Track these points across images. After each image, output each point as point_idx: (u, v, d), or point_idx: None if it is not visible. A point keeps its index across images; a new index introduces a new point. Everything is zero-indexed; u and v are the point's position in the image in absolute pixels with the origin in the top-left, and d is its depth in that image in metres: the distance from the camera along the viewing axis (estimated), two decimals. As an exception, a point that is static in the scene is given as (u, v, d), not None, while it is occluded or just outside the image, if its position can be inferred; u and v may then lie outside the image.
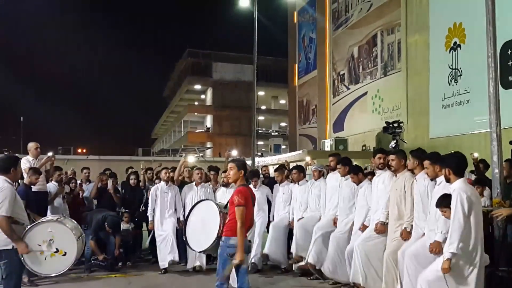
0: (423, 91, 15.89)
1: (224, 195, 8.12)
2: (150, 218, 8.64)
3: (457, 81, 14.34)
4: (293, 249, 7.88)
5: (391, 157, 6.22)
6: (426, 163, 5.45)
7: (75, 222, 6.06)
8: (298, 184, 8.26)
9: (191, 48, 44.95)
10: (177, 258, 8.39)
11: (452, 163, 4.79)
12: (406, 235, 5.78)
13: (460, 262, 4.51)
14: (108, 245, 8.74)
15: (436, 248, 4.85)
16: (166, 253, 8.30)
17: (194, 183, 8.72)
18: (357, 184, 6.99)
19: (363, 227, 6.64)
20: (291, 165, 9.91)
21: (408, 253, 5.36)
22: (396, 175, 6.19)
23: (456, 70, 14.37)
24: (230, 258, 4.98)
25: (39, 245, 5.19)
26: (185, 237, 5.70)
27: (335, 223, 7.30)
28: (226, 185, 8.44)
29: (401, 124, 12.93)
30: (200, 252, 5.65)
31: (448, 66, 14.63)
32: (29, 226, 5.21)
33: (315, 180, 8.02)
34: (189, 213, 5.88)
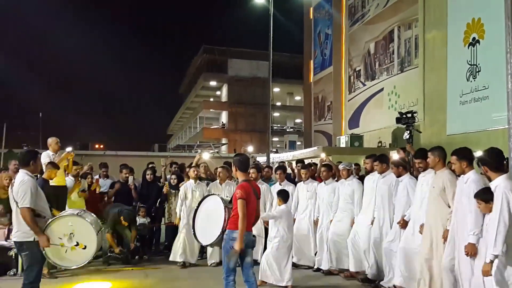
0: (440, 88, 15.73)
1: None
2: (178, 213, 8.72)
3: (476, 77, 14.17)
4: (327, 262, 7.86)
5: (429, 154, 5.95)
6: (453, 158, 5.24)
7: (94, 216, 6.17)
8: (325, 183, 8.18)
9: (206, 45, 45.10)
10: (193, 261, 8.57)
11: (492, 159, 4.59)
12: (447, 234, 5.42)
13: (504, 262, 4.36)
14: (124, 238, 8.87)
15: (472, 251, 4.64)
16: (181, 251, 8.48)
17: (218, 181, 8.84)
18: (397, 177, 6.80)
19: (403, 222, 6.43)
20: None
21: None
22: (435, 172, 5.90)
23: (475, 66, 14.21)
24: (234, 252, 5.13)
25: (60, 238, 5.30)
26: (194, 231, 5.85)
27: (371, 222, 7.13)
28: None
29: (414, 114, 12.75)
30: (206, 245, 5.81)
31: (467, 62, 14.47)
32: (50, 220, 5.32)
33: (345, 179, 7.88)
34: (197, 207, 6.00)
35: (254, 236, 5.35)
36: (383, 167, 7.13)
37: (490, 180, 4.60)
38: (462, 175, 5.11)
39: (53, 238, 5.25)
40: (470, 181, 4.91)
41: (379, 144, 18.49)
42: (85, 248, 5.44)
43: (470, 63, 14.38)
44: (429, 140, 15.39)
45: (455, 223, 5.17)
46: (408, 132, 11.92)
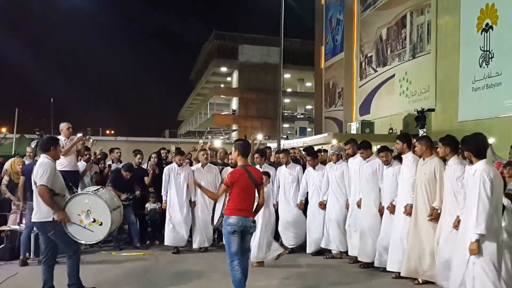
0: (452, 74, 15.58)
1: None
2: (164, 198, 8.79)
3: (488, 64, 14.02)
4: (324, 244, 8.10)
5: (416, 143, 6.36)
6: (440, 144, 5.81)
7: (112, 193, 6.40)
8: (314, 169, 8.32)
9: (217, 31, 44.91)
10: (182, 244, 8.67)
11: (473, 145, 4.81)
12: (436, 215, 5.88)
13: (486, 242, 4.50)
14: (130, 223, 8.99)
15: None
16: (172, 237, 8.61)
17: (200, 164, 8.87)
18: (387, 164, 6.98)
19: (391, 207, 6.72)
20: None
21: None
22: (423, 159, 6.20)
23: (488, 52, 14.05)
24: (232, 236, 5.23)
25: (79, 215, 5.62)
26: (212, 213, 6.04)
27: (359, 205, 7.37)
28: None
29: (428, 113, 12.79)
30: (214, 227, 5.98)
31: (480, 48, 14.31)
32: (69, 197, 5.66)
33: (334, 163, 8.04)
34: None
35: (254, 221, 5.40)
36: (368, 153, 7.36)
37: (472, 164, 4.84)
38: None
39: (73, 215, 5.57)
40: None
41: (390, 131, 18.42)
42: (101, 224, 5.71)
43: (483, 49, 14.22)
44: (440, 127, 15.32)
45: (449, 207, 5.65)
46: (424, 130, 12.03)
